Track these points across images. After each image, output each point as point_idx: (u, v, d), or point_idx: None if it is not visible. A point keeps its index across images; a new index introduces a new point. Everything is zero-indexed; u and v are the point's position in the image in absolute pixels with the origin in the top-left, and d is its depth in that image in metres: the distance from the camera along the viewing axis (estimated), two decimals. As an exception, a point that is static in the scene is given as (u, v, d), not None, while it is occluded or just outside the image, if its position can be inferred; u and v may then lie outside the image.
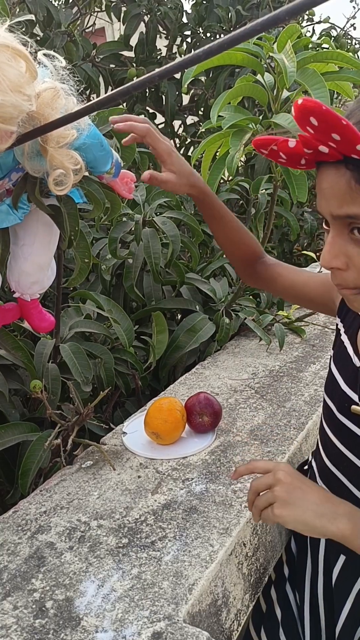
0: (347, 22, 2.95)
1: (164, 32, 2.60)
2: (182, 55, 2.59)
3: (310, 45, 1.50)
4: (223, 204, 0.91)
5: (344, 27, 2.89)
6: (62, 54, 2.11)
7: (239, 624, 0.75)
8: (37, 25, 2.16)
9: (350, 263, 0.59)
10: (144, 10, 2.44)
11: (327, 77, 1.13)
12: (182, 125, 2.70)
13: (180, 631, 0.62)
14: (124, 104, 2.46)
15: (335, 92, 1.58)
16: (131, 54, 2.51)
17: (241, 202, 1.85)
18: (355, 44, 3.13)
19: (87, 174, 0.85)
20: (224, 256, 1.57)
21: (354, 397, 0.74)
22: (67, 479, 0.91)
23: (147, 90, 2.54)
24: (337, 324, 0.82)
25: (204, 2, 2.54)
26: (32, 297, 0.97)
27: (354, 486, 0.75)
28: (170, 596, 0.67)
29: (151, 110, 2.63)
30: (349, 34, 2.96)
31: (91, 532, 0.78)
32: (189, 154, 2.75)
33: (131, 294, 1.41)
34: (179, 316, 1.57)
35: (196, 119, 2.70)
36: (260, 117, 1.20)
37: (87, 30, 2.67)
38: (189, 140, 2.71)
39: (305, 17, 2.88)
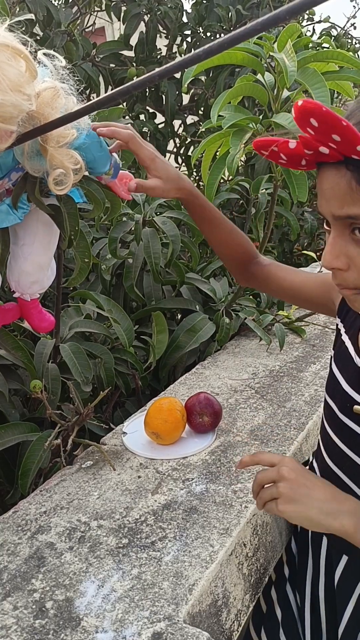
0: (348, 21, 2.95)
1: (164, 31, 2.60)
2: (182, 55, 2.59)
3: (310, 45, 1.50)
4: (214, 206, 0.90)
5: (344, 27, 2.89)
6: (62, 53, 2.11)
7: (239, 624, 0.75)
8: (37, 24, 2.16)
9: (352, 263, 0.59)
10: (144, 10, 2.43)
11: (327, 77, 1.13)
12: (182, 125, 2.70)
13: (181, 631, 0.62)
14: (124, 104, 2.46)
15: (336, 92, 1.58)
16: (131, 53, 2.50)
17: (241, 201, 1.85)
18: (356, 43, 3.13)
19: (87, 173, 0.85)
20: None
21: (356, 397, 0.74)
22: (67, 479, 0.91)
23: (147, 89, 2.53)
24: (337, 324, 0.82)
25: (204, 1, 2.53)
26: (32, 297, 0.96)
27: (356, 485, 0.75)
28: (171, 596, 0.67)
29: (151, 110, 2.63)
30: (349, 34, 2.96)
31: (91, 533, 0.78)
32: (189, 153, 2.75)
33: (131, 294, 1.41)
34: (179, 316, 1.57)
35: (196, 118, 2.70)
36: (261, 117, 1.20)
37: (87, 30, 2.66)
38: (189, 140, 2.71)
39: (306, 16, 2.87)
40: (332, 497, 0.65)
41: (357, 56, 2.36)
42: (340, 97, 2.05)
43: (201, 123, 2.56)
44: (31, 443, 0.96)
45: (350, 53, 1.16)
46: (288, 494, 0.65)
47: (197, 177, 2.72)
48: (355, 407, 0.74)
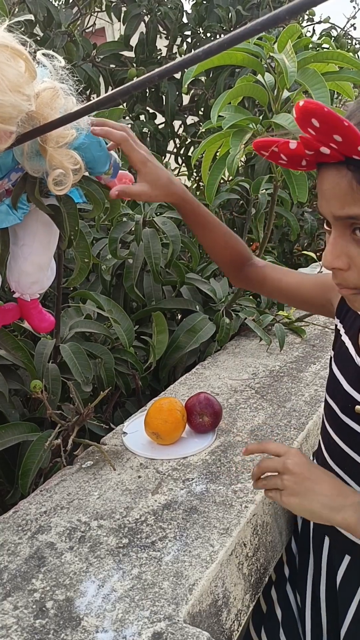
0: (348, 22, 2.95)
1: (164, 32, 2.60)
2: (182, 55, 2.59)
3: (310, 46, 1.50)
4: (207, 210, 0.89)
5: (344, 27, 2.89)
6: (63, 54, 2.11)
7: (240, 624, 0.75)
8: (37, 25, 2.16)
9: (352, 263, 0.60)
10: (144, 11, 2.43)
11: (327, 77, 1.13)
12: (182, 125, 2.70)
13: (181, 631, 0.62)
14: (125, 104, 2.46)
15: (336, 92, 1.58)
16: (131, 54, 2.51)
17: (241, 202, 1.85)
18: (356, 44, 3.13)
19: (86, 173, 0.85)
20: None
21: (358, 397, 0.74)
22: (67, 479, 0.91)
23: (147, 90, 2.54)
24: (336, 325, 0.82)
25: (204, 2, 2.54)
26: (32, 297, 0.96)
27: (357, 485, 0.75)
28: (171, 596, 0.67)
29: (151, 110, 2.63)
30: (349, 34, 2.96)
31: (91, 532, 0.78)
32: (189, 154, 2.75)
33: (131, 294, 1.41)
34: (179, 316, 1.57)
35: (196, 119, 2.70)
36: (261, 117, 1.20)
37: (87, 31, 2.67)
38: (189, 140, 2.71)
39: (306, 17, 2.88)
40: (337, 491, 0.66)
41: (357, 57, 2.36)
42: (340, 97, 2.05)
43: (201, 123, 2.57)
44: (31, 443, 0.96)
45: (350, 54, 1.16)
46: (292, 487, 0.66)
47: (197, 178, 2.73)
48: (357, 407, 0.74)
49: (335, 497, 0.65)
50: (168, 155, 2.78)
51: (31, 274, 0.92)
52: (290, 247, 2.43)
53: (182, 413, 0.99)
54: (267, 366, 1.32)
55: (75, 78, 0.75)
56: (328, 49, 1.42)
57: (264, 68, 1.20)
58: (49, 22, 2.16)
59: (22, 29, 0.65)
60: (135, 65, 2.51)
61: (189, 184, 2.80)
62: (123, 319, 1.26)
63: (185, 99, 2.71)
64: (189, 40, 2.64)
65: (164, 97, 2.51)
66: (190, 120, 2.71)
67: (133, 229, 1.37)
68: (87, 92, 2.31)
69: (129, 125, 0.83)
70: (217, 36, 2.53)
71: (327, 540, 0.85)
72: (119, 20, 2.47)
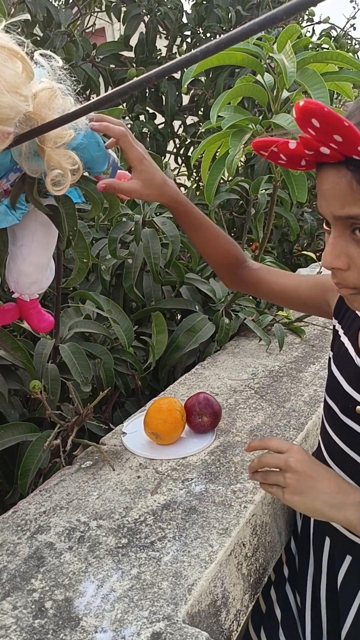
0: (347, 22, 2.95)
1: (164, 32, 2.60)
2: (182, 56, 2.58)
3: (310, 46, 1.50)
4: (200, 212, 0.89)
5: (343, 28, 2.89)
6: (62, 54, 2.11)
7: (239, 624, 0.75)
8: (37, 25, 2.16)
9: (352, 263, 0.60)
10: (144, 11, 2.43)
11: (326, 78, 1.13)
12: (182, 126, 2.70)
13: (180, 631, 0.62)
14: (124, 104, 2.46)
15: (335, 93, 1.58)
16: (131, 54, 2.51)
17: (241, 202, 1.85)
18: (355, 44, 3.13)
19: (85, 174, 0.85)
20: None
21: (358, 398, 0.74)
22: (66, 479, 0.91)
23: (147, 90, 2.54)
24: (334, 326, 0.82)
25: (204, 2, 2.54)
26: (31, 297, 0.96)
27: (358, 485, 0.75)
28: (170, 596, 0.67)
29: (151, 111, 2.63)
30: (348, 34, 2.96)
31: (90, 532, 0.78)
32: (189, 154, 2.75)
33: (131, 294, 1.41)
34: (179, 316, 1.57)
35: (196, 119, 2.70)
36: (260, 118, 1.20)
37: (87, 31, 2.67)
38: (188, 140, 2.71)
39: (305, 17, 2.88)
40: (339, 489, 0.66)
41: (356, 57, 2.36)
42: (339, 98, 2.05)
43: (201, 124, 2.57)
44: (31, 443, 0.96)
45: (350, 54, 1.16)
46: (295, 485, 0.66)
47: (196, 178, 2.73)
48: (358, 407, 0.74)
49: (337, 495, 0.65)
50: (168, 155, 2.78)
51: (30, 274, 0.92)
52: (289, 247, 2.43)
53: (181, 413, 0.99)
54: (267, 366, 1.32)
55: (73, 78, 0.74)
56: (327, 49, 1.42)
57: (263, 68, 1.20)
58: (48, 22, 2.16)
59: (20, 30, 0.65)
60: (135, 65, 2.51)
61: (188, 184, 2.81)
62: (122, 319, 1.26)
63: (185, 99, 2.71)
64: (188, 40, 2.64)
65: (163, 97, 2.51)
66: (189, 120, 2.71)
67: (132, 229, 1.37)
68: (87, 92, 2.31)
69: (128, 126, 0.82)
70: (217, 36, 2.53)
71: (327, 541, 0.84)
72: (119, 21, 2.47)
